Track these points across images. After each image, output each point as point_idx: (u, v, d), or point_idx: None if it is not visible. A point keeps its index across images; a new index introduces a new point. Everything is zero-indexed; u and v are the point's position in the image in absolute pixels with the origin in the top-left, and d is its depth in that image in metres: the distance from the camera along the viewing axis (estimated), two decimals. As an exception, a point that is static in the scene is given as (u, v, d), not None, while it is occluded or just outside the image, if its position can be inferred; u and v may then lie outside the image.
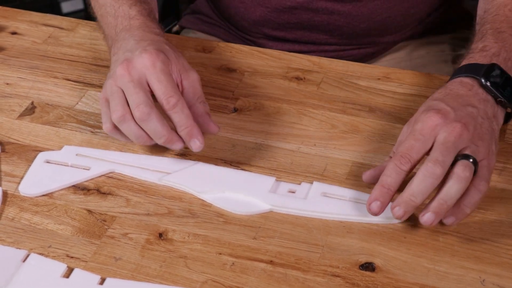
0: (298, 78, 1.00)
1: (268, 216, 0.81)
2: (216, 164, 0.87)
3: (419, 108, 0.81)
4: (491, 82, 0.82)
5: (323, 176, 0.85)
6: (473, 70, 0.83)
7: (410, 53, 1.13)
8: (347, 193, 0.82)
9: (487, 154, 0.78)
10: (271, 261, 0.76)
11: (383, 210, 0.77)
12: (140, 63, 0.83)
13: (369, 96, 0.97)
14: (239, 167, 0.86)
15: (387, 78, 1.00)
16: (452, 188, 0.75)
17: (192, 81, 0.86)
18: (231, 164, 0.87)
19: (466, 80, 0.83)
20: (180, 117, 0.82)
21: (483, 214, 0.80)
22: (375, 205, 0.76)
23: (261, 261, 0.76)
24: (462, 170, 0.75)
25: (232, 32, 1.17)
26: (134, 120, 0.82)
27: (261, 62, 1.03)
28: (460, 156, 0.76)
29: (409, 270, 0.75)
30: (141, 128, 0.82)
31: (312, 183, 0.84)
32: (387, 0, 1.07)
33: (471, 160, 0.76)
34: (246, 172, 0.85)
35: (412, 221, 0.79)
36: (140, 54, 0.84)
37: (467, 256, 0.76)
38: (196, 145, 0.82)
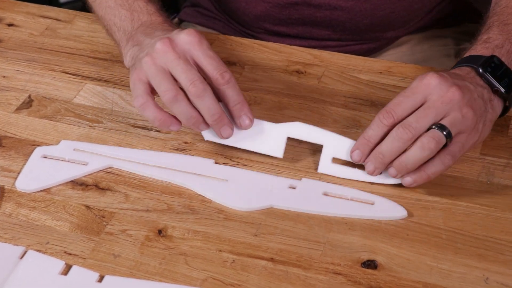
0: (299, 72, 0.99)
1: (268, 213, 0.80)
2: (215, 160, 0.86)
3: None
4: (488, 72, 0.83)
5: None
6: (472, 61, 0.84)
7: (413, 48, 1.12)
8: (348, 191, 0.82)
9: (471, 128, 0.79)
10: (272, 258, 0.75)
11: (363, 159, 0.81)
12: (183, 39, 0.82)
13: (371, 90, 0.96)
14: (239, 162, 0.85)
15: (389, 72, 0.99)
16: (414, 155, 0.78)
17: None
18: (231, 159, 0.86)
19: (464, 68, 0.84)
20: (234, 92, 0.82)
21: (487, 211, 0.79)
22: (356, 154, 0.81)
23: (262, 258, 0.75)
24: (428, 141, 0.77)
25: (232, 26, 1.16)
26: (186, 100, 0.80)
27: (262, 55, 1.02)
28: (437, 125, 0.77)
29: (412, 268, 0.74)
30: (192, 108, 0.81)
31: (313, 178, 0.83)
32: None
33: (444, 132, 0.77)
34: (246, 169, 0.85)
35: (414, 218, 0.78)
36: (180, 33, 0.82)
37: (470, 254, 0.75)
38: (245, 123, 0.83)
